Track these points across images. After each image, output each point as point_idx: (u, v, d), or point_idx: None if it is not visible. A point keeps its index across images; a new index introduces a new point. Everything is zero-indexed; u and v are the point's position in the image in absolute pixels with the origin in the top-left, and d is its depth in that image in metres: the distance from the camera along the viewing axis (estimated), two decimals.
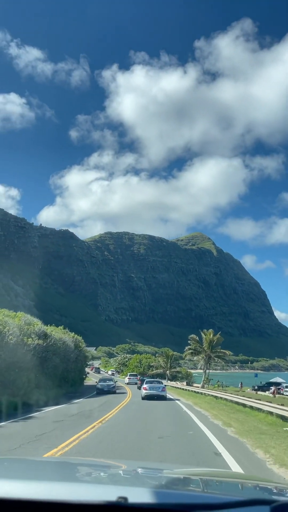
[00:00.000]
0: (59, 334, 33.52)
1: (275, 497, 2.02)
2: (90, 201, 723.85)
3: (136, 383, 50.24)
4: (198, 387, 50.93)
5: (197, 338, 55.38)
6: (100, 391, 34.33)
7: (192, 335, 55.95)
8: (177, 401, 28.28)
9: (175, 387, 49.94)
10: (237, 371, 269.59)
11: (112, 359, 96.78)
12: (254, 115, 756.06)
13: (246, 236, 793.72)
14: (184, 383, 66.45)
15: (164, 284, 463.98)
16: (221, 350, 53.98)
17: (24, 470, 2.74)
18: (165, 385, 32.98)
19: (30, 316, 31.33)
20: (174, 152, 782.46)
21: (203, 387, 51.77)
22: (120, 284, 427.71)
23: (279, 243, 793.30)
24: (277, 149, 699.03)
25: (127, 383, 55.77)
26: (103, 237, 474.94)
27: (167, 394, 31.09)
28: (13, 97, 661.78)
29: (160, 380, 40.65)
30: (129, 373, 64.45)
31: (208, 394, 33.72)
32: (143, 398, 28.67)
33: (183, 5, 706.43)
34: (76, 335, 42.54)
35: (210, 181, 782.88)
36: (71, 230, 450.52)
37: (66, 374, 33.22)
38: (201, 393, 36.93)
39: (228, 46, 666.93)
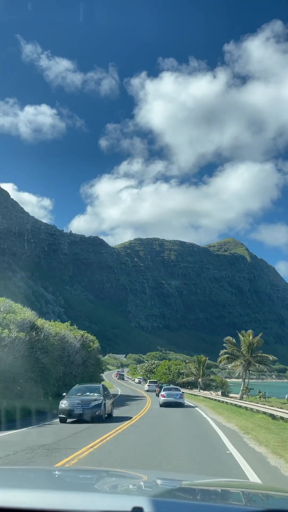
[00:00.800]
0: (58, 329, 26.26)
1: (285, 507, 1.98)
2: (120, 209, 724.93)
3: (155, 391, 47.97)
4: (235, 397, 42.52)
5: (234, 340, 47.02)
6: (63, 419, 17.93)
7: (228, 337, 47.72)
8: (212, 422, 19.44)
9: (209, 397, 41.76)
10: (274, 380, 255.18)
11: (138, 365, 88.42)
12: (286, 118, 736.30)
13: (280, 242, 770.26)
14: (219, 393, 57.95)
15: (196, 291, 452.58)
16: (263, 354, 45.25)
17: (39, 480, 2.68)
18: (183, 393, 32.78)
19: (14, 303, 24.28)
20: (204, 158, 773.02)
21: (241, 398, 43.27)
22: (150, 290, 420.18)
23: None
24: None
25: (147, 390, 53.26)
26: (133, 244, 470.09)
27: (195, 407, 29.23)
28: (44, 108, 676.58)
29: (178, 387, 39.51)
30: (149, 380, 59.55)
31: (259, 411, 24.50)
32: (161, 405, 28.79)
33: (211, 9, 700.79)
34: (86, 333, 35.33)
35: (242, 186, 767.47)
36: (101, 237, 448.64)
37: (68, 381, 26.00)
38: (245, 408, 28.49)
39: (258, 49, 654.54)
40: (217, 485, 3.09)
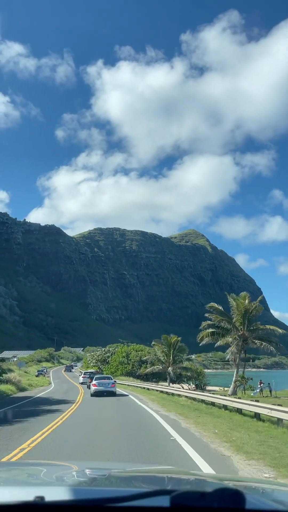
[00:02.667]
0: None
1: (177, 487, 2.08)
2: (79, 202, 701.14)
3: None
4: (218, 393, 27.22)
5: (221, 308, 31.58)
6: None
7: (212, 304, 32.16)
8: None
9: (181, 394, 26.45)
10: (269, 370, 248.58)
11: (88, 354, 71.55)
12: (243, 110, 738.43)
13: (239, 235, 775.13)
14: (193, 386, 42.64)
15: (158, 281, 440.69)
16: (266, 326, 30.12)
17: None
18: (115, 381, 32.71)
19: None
20: (163, 150, 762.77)
21: (235, 393, 27.83)
22: (111, 281, 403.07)
23: (271, 241, 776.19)
24: (267, 145, 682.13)
25: (81, 383, 45.10)
26: (93, 233, 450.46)
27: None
28: None
29: (110, 376, 36.70)
30: (84, 372, 50.27)
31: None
32: (92, 395, 28.57)
33: None
34: None
35: (201, 179, 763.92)
36: (58, 226, 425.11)
37: None
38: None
39: (215, 39, 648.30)
40: (138, 472, 3.18)
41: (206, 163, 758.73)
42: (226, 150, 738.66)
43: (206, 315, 32.41)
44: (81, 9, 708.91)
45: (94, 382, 30.05)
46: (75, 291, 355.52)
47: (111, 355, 56.67)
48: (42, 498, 1.58)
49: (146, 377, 46.79)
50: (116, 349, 58.00)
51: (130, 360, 49.46)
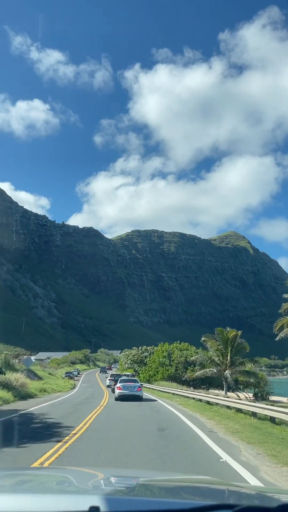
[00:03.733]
0: None
1: (238, 502, 2.03)
2: (117, 207, 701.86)
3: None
4: None
5: None
6: None
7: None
8: None
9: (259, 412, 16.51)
10: (286, 377, 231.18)
11: (122, 354, 61.87)
12: (285, 108, 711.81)
13: (281, 237, 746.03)
14: (250, 395, 32.84)
15: (197, 284, 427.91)
16: None
17: None
18: (141, 384, 30.71)
19: None
20: (201, 152, 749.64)
21: None
22: (149, 284, 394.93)
23: None
24: None
25: (107, 386, 40.56)
26: (130, 236, 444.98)
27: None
28: (37, 103, 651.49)
29: (135, 378, 33.45)
30: (111, 373, 45.54)
31: None
32: (117, 399, 26.45)
33: None
34: None
35: (241, 181, 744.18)
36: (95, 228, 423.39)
37: None
38: None
39: (254, 36, 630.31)
40: (175, 481, 3.08)
41: (245, 164, 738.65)
42: (267, 150, 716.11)
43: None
44: (118, 14, 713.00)
45: (118, 385, 27.84)
46: (113, 293, 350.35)
47: (149, 355, 47.76)
48: (97, 508, 1.54)
49: (193, 383, 37.52)
50: (155, 348, 48.94)
51: (172, 361, 40.41)
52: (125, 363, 53.48)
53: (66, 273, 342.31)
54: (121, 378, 30.91)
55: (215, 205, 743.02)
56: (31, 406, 19.54)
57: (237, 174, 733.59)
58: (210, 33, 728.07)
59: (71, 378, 56.33)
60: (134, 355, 52.80)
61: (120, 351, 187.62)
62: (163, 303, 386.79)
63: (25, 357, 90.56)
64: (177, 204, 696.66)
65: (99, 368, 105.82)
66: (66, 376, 56.87)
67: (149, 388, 39.27)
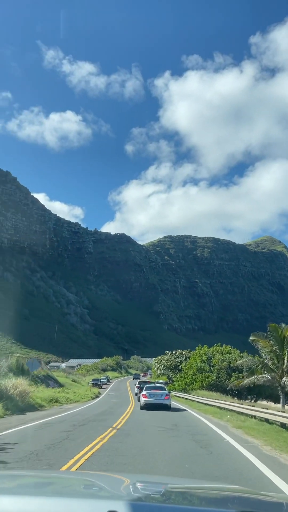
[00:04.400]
0: None
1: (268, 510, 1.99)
2: (149, 214, 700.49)
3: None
4: None
5: None
6: None
7: None
8: None
9: None
10: None
11: (154, 359, 54.81)
12: None
13: None
14: None
15: (233, 290, 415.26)
16: None
17: (16, 485, 2.63)
18: (169, 392, 28.76)
19: None
20: (233, 158, 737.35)
21: None
22: (183, 290, 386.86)
23: None
24: None
25: (135, 394, 35.30)
26: (163, 241, 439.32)
27: None
28: (69, 115, 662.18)
29: (163, 386, 29.38)
30: (139, 381, 38.36)
31: None
32: (142, 408, 24.79)
33: (234, 0, 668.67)
34: None
35: (275, 185, 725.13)
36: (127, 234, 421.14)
37: None
38: None
39: (286, 38, 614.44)
40: (204, 489, 2.99)
41: (279, 168, 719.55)
42: None
43: None
44: (147, 24, 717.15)
45: (144, 392, 25.88)
46: (145, 300, 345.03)
47: (185, 359, 41.63)
48: None
49: (237, 393, 31.25)
50: (192, 352, 42.58)
51: (213, 366, 34.17)
52: (157, 369, 47.14)
53: (99, 280, 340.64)
54: (147, 385, 27.84)
55: (249, 210, 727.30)
56: (8, 428, 13.72)
57: (271, 178, 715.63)
58: (241, 37, 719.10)
59: (98, 386, 51.15)
60: (167, 360, 46.42)
61: (154, 358, 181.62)
62: (198, 310, 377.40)
63: (78, 367, 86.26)
64: (210, 210, 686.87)
65: (131, 376, 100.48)
66: (92, 383, 51.76)
67: (186, 398, 33.27)
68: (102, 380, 63.34)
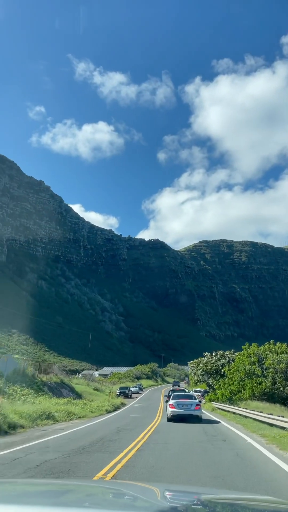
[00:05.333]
0: None
1: None
2: (183, 221, 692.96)
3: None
4: None
5: None
6: None
7: None
8: None
9: None
10: None
11: (190, 363, 46.07)
12: None
13: None
14: None
15: (273, 295, 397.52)
16: None
17: (43, 495, 2.60)
18: (200, 401, 24.94)
19: None
20: (268, 161, 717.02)
21: None
22: (220, 296, 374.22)
23: None
24: None
25: (166, 402, 27.15)
26: (198, 246, 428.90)
27: None
28: (101, 125, 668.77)
29: (192, 394, 25.88)
30: (170, 391, 32.32)
31: None
32: (170, 419, 21.83)
33: (263, 1, 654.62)
34: None
35: None
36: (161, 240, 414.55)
37: None
38: None
39: None
40: (237, 499, 2.93)
41: None
42: None
43: None
44: (176, 30, 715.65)
45: (171, 402, 22.72)
46: (182, 306, 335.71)
47: (228, 362, 33.81)
48: None
49: None
50: (236, 353, 34.49)
51: (267, 369, 26.37)
52: (195, 374, 38.98)
53: (134, 287, 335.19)
54: (175, 394, 24.23)
55: (286, 214, 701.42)
56: None
57: None
58: (272, 38, 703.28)
59: (125, 395, 44.27)
60: (206, 364, 38.19)
61: (189, 362, 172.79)
62: (237, 316, 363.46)
63: (109, 375, 79.51)
64: (245, 215, 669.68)
65: (169, 384, 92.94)
66: (119, 393, 44.91)
67: (234, 412, 25.53)
68: (132, 388, 56.49)
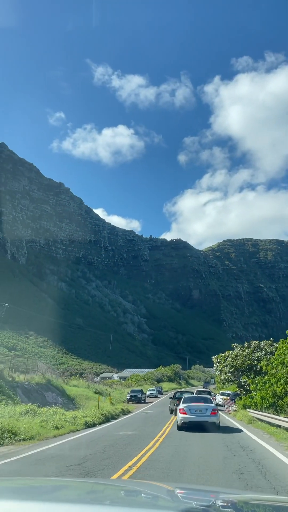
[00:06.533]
0: None
1: None
2: (206, 223, 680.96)
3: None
4: None
5: None
6: None
7: None
8: None
9: None
10: None
11: (214, 358, 38.45)
12: None
13: None
14: None
15: None
16: None
17: (62, 492, 2.62)
18: (216, 405, 21.64)
19: None
20: None
21: None
22: (246, 296, 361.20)
23: None
24: None
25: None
26: (222, 246, 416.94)
27: None
28: (121, 129, 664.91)
29: (207, 396, 21.86)
30: (195, 393, 26.63)
31: None
32: (180, 428, 18.55)
33: None
34: None
35: None
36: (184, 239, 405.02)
37: None
38: None
39: None
40: (254, 499, 2.89)
41: None
42: None
43: None
44: (194, 29, 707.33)
45: (181, 406, 19.10)
46: (206, 307, 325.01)
47: (266, 355, 25.56)
48: None
49: None
50: (276, 344, 26.07)
51: None
52: (221, 372, 29.99)
53: (156, 288, 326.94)
54: (186, 397, 21.27)
55: None
56: None
57: None
58: None
59: (137, 400, 36.48)
60: (236, 357, 29.36)
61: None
62: (264, 316, 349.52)
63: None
64: (270, 214, 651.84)
65: (194, 387, 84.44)
66: (130, 397, 37.11)
67: (285, 426, 17.18)
68: (149, 392, 48.59)
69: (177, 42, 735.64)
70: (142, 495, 2.58)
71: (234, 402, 26.83)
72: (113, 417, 23.01)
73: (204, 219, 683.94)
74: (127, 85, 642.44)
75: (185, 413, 18.46)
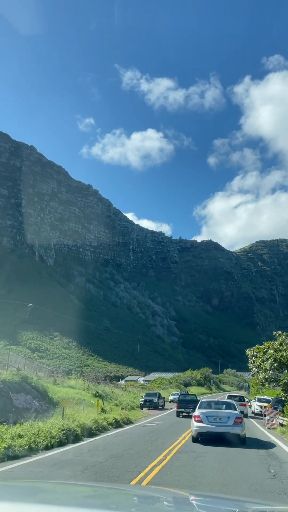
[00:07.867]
0: None
1: None
2: (237, 226, 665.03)
3: None
4: None
5: None
6: None
7: None
8: None
9: None
10: None
11: (248, 350, 31.70)
12: None
13: None
14: None
15: None
16: None
17: (74, 496, 2.59)
18: (241, 412, 16.88)
19: None
20: None
21: None
22: (281, 298, 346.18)
23: None
24: None
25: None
26: (255, 247, 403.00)
27: None
28: (150, 133, 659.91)
29: (231, 402, 17.64)
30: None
31: None
32: (195, 440, 15.07)
33: None
34: None
35: None
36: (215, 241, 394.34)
37: None
38: None
39: None
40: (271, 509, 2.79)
41: None
42: None
43: None
44: (223, 29, 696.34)
45: (197, 412, 15.51)
46: (239, 310, 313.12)
47: None
48: None
49: None
50: None
51: None
52: (259, 369, 22.24)
53: (186, 290, 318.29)
54: (202, 401, 17.23)
55: None
56: None
57: None
58: None
59: (153, 406, 29.88)
60: (278, 348, 21.15)
61: (252, 373, 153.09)
62: None
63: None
64: None
65: (225, 392, 76.73)
66: (143, 402, 30.52)
67: None
68: (173, 395, 41.75)
69: (206, 43, 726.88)
70: (164, 502, 2.42)
71: (282, 412, 19.78)
72: (92, 432, 15.55)
73: (235, 221, 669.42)
74: (155, 88, 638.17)
75: (201, 422, 14.81)
